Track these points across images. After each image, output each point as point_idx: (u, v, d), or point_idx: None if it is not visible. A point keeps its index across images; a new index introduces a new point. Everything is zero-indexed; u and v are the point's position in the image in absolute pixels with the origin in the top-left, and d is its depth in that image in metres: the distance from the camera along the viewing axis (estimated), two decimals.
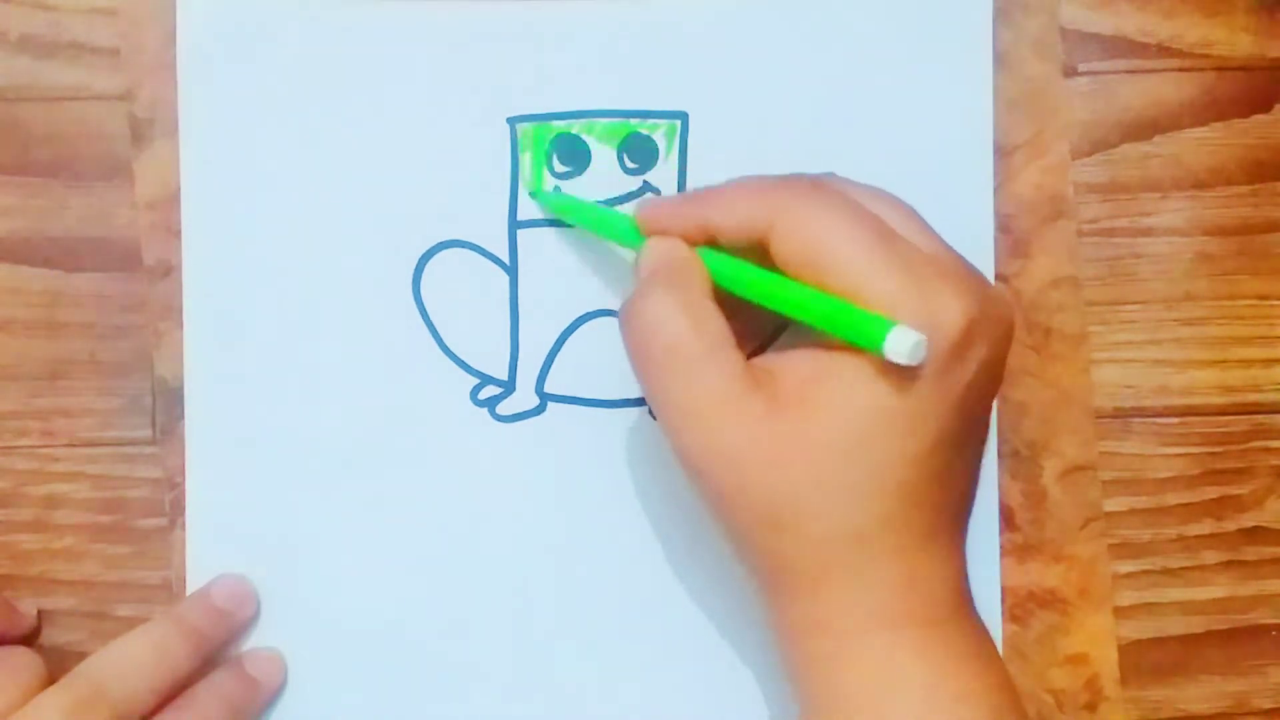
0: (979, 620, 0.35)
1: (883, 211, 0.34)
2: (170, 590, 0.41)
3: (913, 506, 0.33)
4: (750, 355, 0.34)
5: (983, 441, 0.36)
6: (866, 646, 0.33)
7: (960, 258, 0.34)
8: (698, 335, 0.33)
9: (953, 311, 0.32)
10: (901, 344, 0.30)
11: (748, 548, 0.34)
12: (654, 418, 0.41)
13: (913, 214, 0.35)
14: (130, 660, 0.38)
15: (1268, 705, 0.42)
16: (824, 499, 0.32)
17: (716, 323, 0.34)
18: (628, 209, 0.38)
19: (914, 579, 0.33)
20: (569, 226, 0.41)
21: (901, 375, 0.32)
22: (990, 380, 0.34)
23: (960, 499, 0.35)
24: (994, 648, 0.35)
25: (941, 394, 0.32)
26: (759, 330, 0.36)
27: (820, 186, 0.34)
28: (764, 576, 0.35)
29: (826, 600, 0.34)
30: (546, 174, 0.41)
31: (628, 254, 0.41)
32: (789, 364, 0.33)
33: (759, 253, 0.34)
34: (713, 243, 0.35)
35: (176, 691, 0.39)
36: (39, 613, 0.41)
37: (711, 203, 0.35)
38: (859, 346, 0.31)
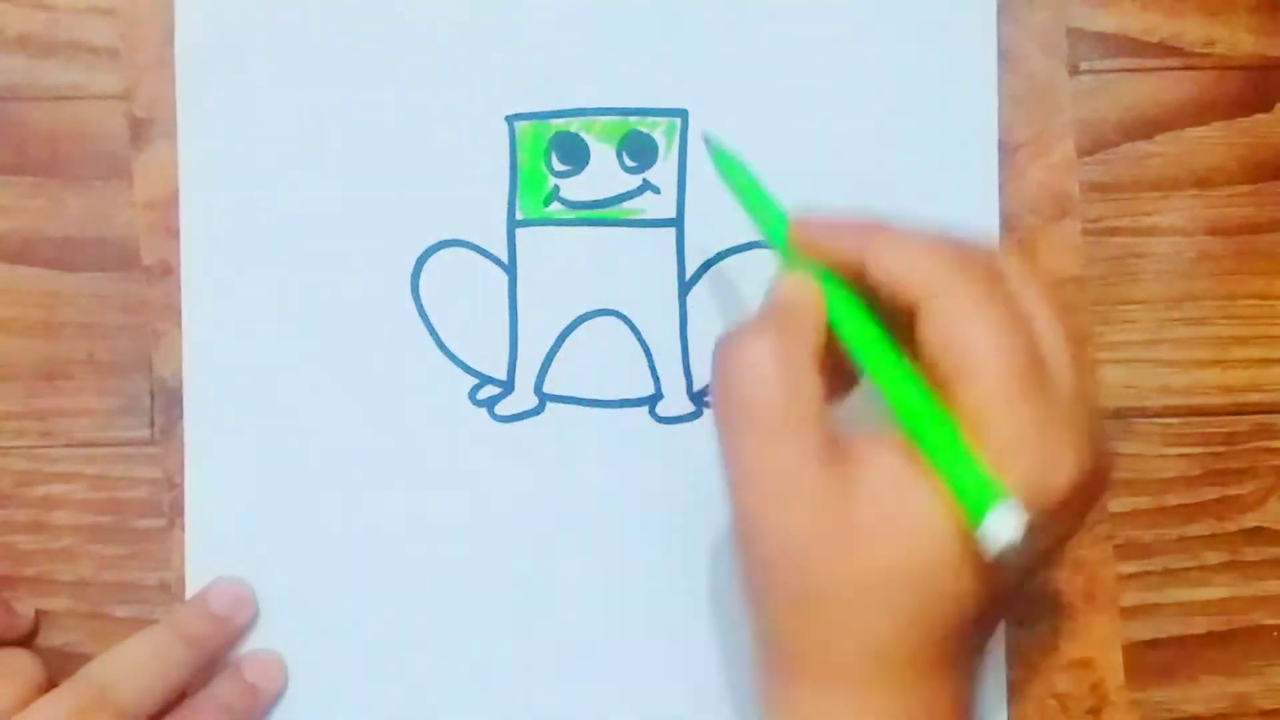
0: None
1: (1043, 330, 0.32)
2: (169, 591, 0.41)
3: (947, 642, 0.32)
4: (847, 389, 0.33)
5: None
6: None
7: (1092, 397, 0.33)
8: (787, 401, 0.31)
9: (1064, 474, 0.30)
10: (998, 531, 0.28)
11: (770, 619, 0.33)
12: (654, 418, 0.41)
13: (1067, 336, 0.32)
14: (131, 666, 0.38)
15: (1269, 706, 0.42)
16: (860, 612, 0.31)
17: (810, 390, 0.32)
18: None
19: (924, 707, 0.32)
20: (568, 226, 0.41)
21: None
22: (1071, 534, 0.33)
23: (985, 636, 0.34)
24: None
25: (1022, 551, 0.30)
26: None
27: (992, 279, 0.32)
28: (776, 651, 0.33)
29: (831, 701, 0.32)
30: (545, 172, 0.41)
31: (629, 253, 0.41)
32: (877, 459, 0.31)
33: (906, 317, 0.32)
34: (859, 281, 0.33)
35: (176, 698, 0.39)
36: (36, 613, 0.41)
37: (874, 244, 0.33)
38: (956, 499, 0.30)
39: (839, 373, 0.33)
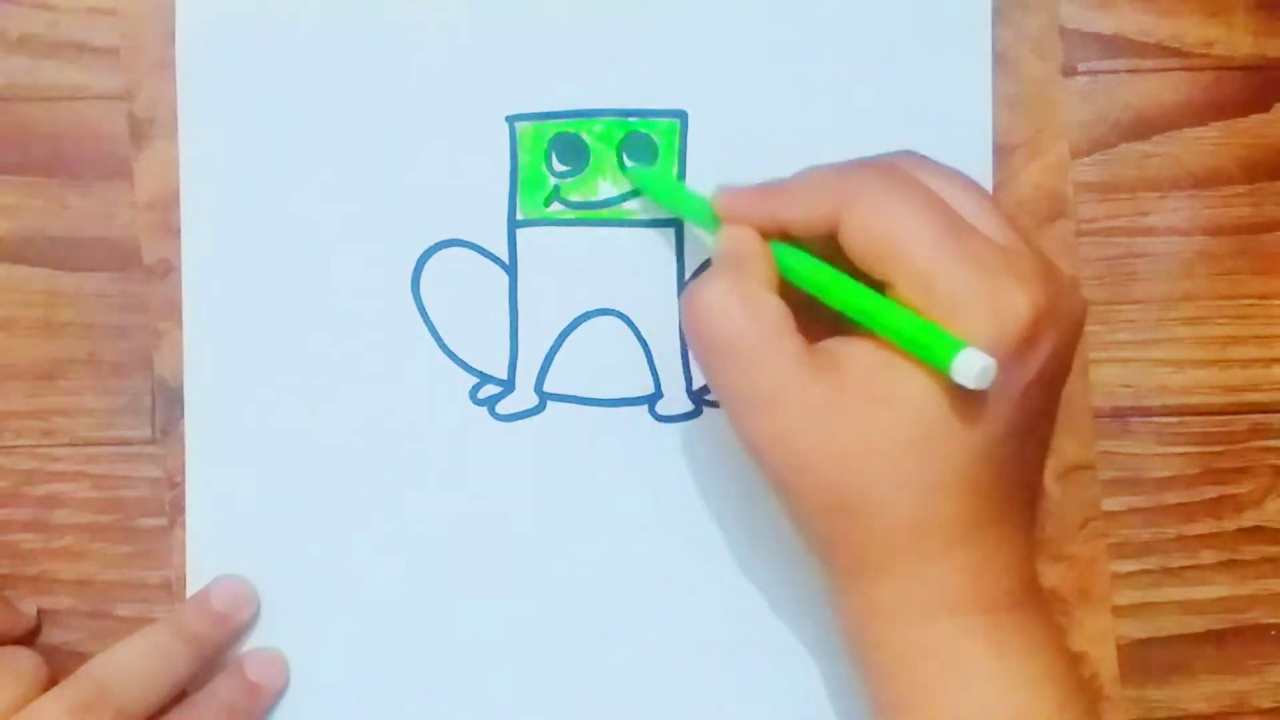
0: (1045, 606, 0.35)
1: (956, 197, 0.34)
2: (170, 590, 0.41)
3: (977, 498, 0.33)
4: (824, 336, 0.34)
5: (1049, 430, 0.36)
6: (930, 634, 0.34)
7: (1034, 248, 0.34)
8: (754, 324, 0.33)
9: (1020, 305, 0.32)
10: (970, 367, 0.30)
11: (811, 533, 0.35)
12: (654, 417, 0.41)
13: (987, 200, 0.35)
14: (132, 663, 0.38)
15: (1267, 705, 0.42)
16: (885, 491, 0.33)
17: (774, 310, 0.34)
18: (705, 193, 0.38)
19: (978, 568, 0.33)
20: (568, 225, 0.41)
21: None
22: (1057, 372, 0.34)
23: (1026, 487, 0.35)
24: (1060, 633, 0.35)
25: (1007, 389, 0.32)
26: (832, 314, 0.36)
27: (890, 173, 0.34)
28: (828, 562, 0.35)
29: (890, 587, 0.34)
30: (546, 173, 0.41)
31: (629, 253, 0.41)
32: (853, 351, 0.33)
33: (835, 243, 0.34)
34: (785, 236, 0.35)
35: (177, 695, 0.39)
36: (39, 612, 0.41)
37: (782, 196, 0.35)
38: (927, 364, 0.31)
39: (810, 324, 0.35)
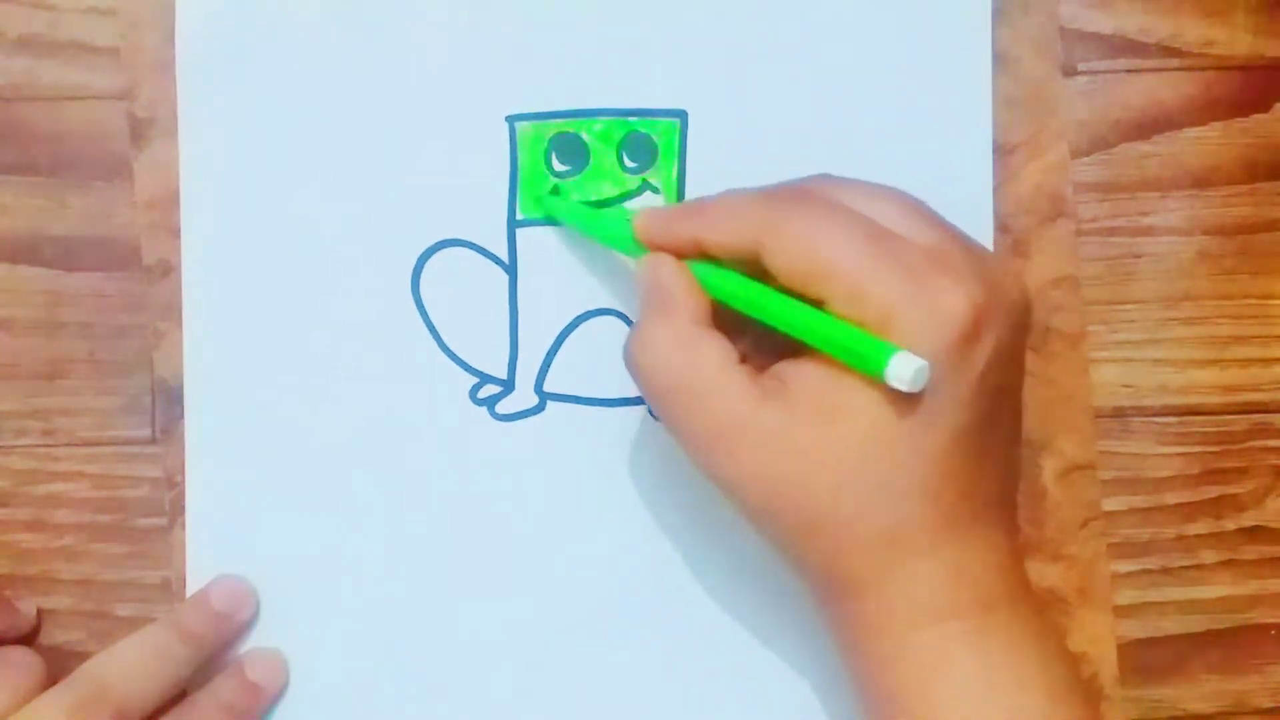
0: (1034, 604, 0.35)
1: (878, 208, 0.34)
2: (170, 590, 0.41)
3: (945, 500, 0.33)
4: (777, 354, 0.34)
5: (1014, 423, 0.36)
6: (916, 643, 0.34)
7: (966, 244, 0.34)
8: (695, 367, 0.34)
9: (955, 304, 0.32)
10: (904, 371, 0.30)
11: (789, 557, 0.35)
12: (654, 417, 0.41)
13: (911, 205, 0.34)
14: (131, 663, 0.38)
15: (1267, 705, 0.42)
16: (851, 505, 0.33)
17: (713, 347, 0.34)
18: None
19: (957, 570, 0.33)
20: (569, 226, 0.41)
21: None
22: (1008, 363, 0.34)
23: (997, 484, 0.35)
24: (1053, 630, 0.35)
25: (956, 387, 0.32)
26: (779, 340, 0.35)
27: (806, 195, 0.34)
28: (810, 582, 0.35)
29: (872, 600, 0.34)
30: (545, 172, 0.41)
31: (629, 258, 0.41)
32: (800, 372, 0.33)
33: (759, 265, 0.34)
34: (707, 258, 0.35)
35: (177, 694, 0.39)
36: (39, 612, 0.41)
37: (702, 219, 0.35)
38: (861, 372, 0.31)
39: (759, 352, 0.35)
